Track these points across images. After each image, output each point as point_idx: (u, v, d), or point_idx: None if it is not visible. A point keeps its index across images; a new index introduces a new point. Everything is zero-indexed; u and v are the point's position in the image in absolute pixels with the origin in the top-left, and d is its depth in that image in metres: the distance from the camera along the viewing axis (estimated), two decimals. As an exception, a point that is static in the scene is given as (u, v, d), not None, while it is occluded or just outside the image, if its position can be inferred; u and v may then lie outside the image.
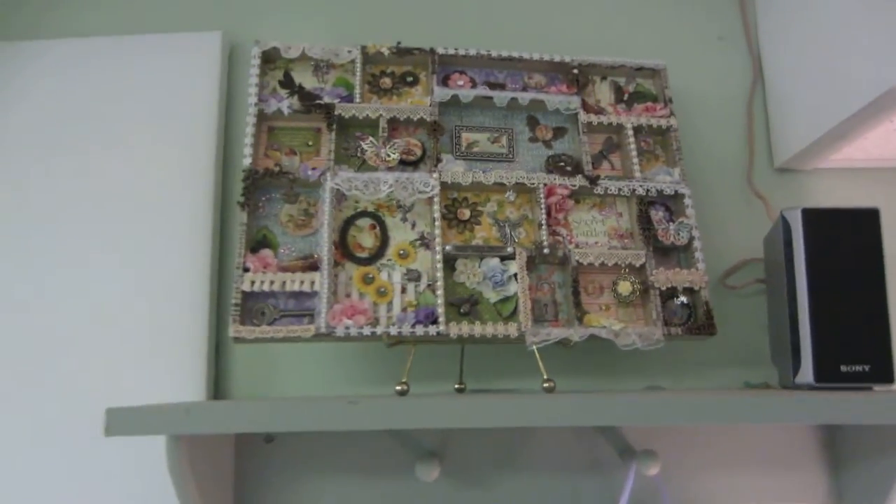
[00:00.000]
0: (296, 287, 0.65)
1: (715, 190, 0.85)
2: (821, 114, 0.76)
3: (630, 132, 0.75)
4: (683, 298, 0.69)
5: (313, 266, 0.66)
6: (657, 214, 0.73)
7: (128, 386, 0.74)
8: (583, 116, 0.75)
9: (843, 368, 0.65)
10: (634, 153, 0.74)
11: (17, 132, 0.84)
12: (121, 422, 0.56)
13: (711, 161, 0.86)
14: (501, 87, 0.77)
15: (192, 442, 0.62)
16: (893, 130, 0.77)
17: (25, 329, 0.77)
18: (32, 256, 0.79)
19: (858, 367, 0.65)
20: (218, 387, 0.79)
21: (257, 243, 0.67)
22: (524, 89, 0.77)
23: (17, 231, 0.80)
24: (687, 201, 0.73)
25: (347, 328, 0.63)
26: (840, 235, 0.68)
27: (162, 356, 0.77)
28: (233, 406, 0.59)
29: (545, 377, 0.64)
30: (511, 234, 0.71)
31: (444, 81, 0.76)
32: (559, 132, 0.77)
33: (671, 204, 0.74)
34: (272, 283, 0.65)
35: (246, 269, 0.65)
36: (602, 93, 0.79)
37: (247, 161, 0.69)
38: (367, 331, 0.63)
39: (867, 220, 0.68)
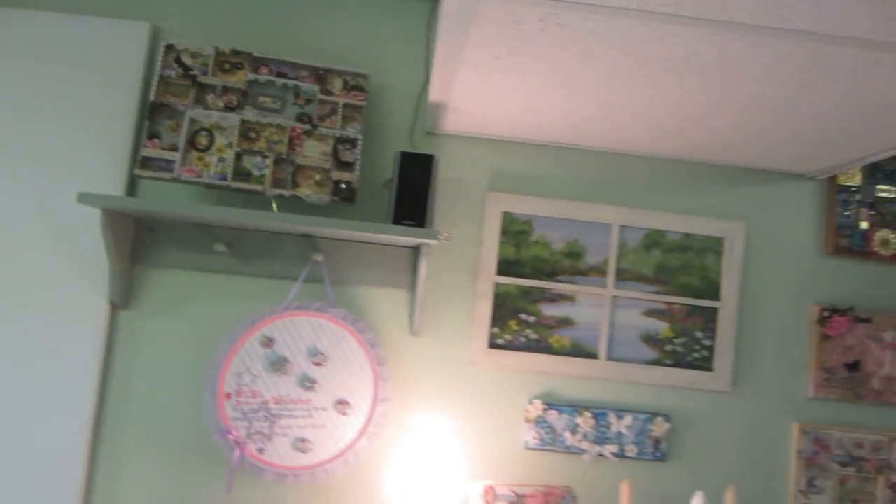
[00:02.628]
0: (166, 157, 1.46)
1: (396, 138, 1.67)
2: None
3: (341, 106, 1.56)
4: (344, 185, 1.51)
5: (176, 149, 1.47)
6: (344, 146, 1.54)
7: (70, 185, 1.54)
8: (319, 96, 1.55)
9: (405, 221, 1.49)
10: (340, 116, 1.55)
11: None
12: (85, 198, 1.37)
13: (397, 125, 1.68)
14: (285, 75, 1.57)
15: (113, 217, 1.43)
16: (474, 116, 1.57)
17: None
18: None
19: (410, 221, 1.49)
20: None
21: (152, 135, 1.48)
22: (296, 78, 1.57)
23: None
24: (359, 141, 1.55)
25: (188, 177, 1.45)
26: (415, 165, 1.50)
27: (103, 188, 1.58)
28: (138, 200, 1.41)
29: (276, 210, 1.47)
30: (272, 147, 1.52)
31: (256, 69, 1.55)
32: (309, 101, 1.57)
33: (354, 142, 1.55)
34: (157, 154, 1.46)
35: (145, 146, 1.46)
36: (336, 83, 1.59)
37: (152, 97, 1.48)
38: (195, 179, 1.45)
39: (427, 159, 1.51)
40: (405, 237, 1.45)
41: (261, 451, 1.47)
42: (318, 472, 1.49)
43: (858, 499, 1.76)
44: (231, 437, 1.46)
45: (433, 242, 1.46)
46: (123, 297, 1.57)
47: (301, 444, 1.48)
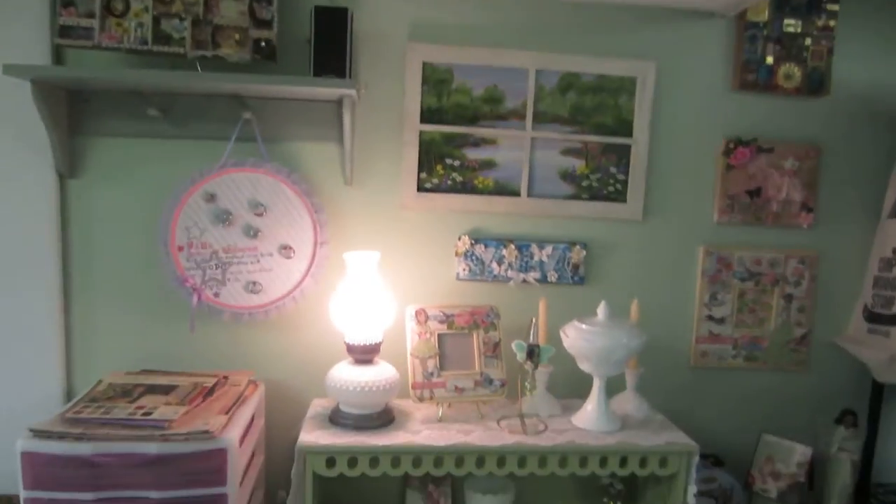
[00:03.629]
0: (84, 25, 1.50)
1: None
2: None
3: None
4: (263, 42, 1.57)
5: (92, 15, 1.50)
6: (260, 4, 1.58)
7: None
8: None
9: (324, 74, 1.57)
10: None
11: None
12: (11, 70, 1.42)
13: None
14: (193, -67, 1.56)
15: (43, 88, 1.49)
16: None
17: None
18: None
19: (330, 74, 1.57)
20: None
21: (67, 4, 1.50)
22: (205, -64, 1.57)
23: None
24: (274, 24, 1.58)
25: (109, 43, 1.49)
26: (331, 19, 1.55)
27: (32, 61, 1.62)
28: (62, 68, 1.47)
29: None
30: (189, 9, 1.55)
31: (163, -72, 1.55)
32: None
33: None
34: (74, 22, 1.49)
35: (61, 15, 1.49)
36: (246, -59, 1.60)
37: (60, -37, 1.49)
38: (117, 45, 1.50)
39: (342, 13, 1.56)
40: (325, 89, 1.54)
41: (217, 294, 1.64)
42: (271, 310, 1.67)
43: (755, 308, 2.01)
44: (188, 284, 1.62)
45: (353, 93, 1.55)
46: (68, 166, 1.66)
47: (253, 287, 1.65)
